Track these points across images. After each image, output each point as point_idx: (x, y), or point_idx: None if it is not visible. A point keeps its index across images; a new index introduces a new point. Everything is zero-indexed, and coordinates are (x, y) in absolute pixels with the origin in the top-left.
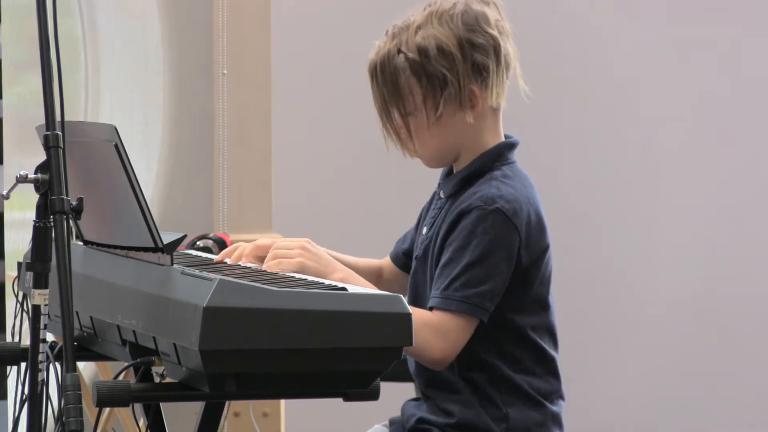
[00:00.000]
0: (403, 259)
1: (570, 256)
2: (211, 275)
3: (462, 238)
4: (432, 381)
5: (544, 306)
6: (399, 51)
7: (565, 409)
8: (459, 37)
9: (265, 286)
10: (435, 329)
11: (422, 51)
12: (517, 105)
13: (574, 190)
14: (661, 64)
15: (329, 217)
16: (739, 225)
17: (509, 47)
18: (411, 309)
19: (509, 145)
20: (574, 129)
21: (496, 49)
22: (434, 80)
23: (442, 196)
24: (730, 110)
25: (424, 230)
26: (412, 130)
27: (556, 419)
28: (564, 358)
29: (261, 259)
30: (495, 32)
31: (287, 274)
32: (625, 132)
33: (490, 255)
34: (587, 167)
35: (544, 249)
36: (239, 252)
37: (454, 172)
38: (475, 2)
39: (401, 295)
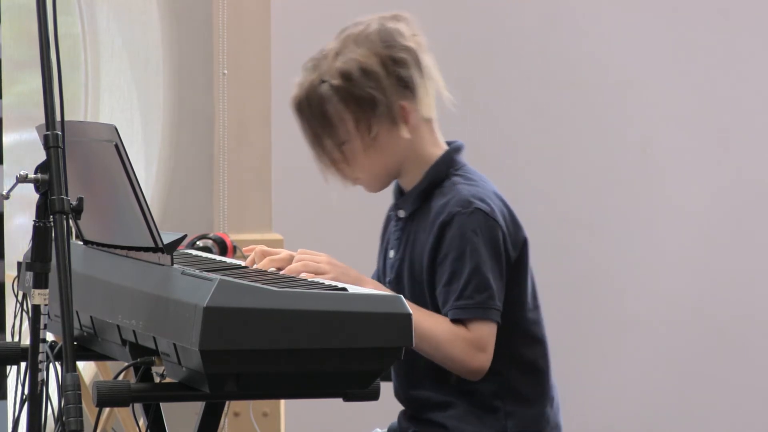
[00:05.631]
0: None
1: (569, 256)
2: (211, 275)
3: (456, 247)
4: (417, 404)
5: (537, 301)
6: (322, 81)
7: (562, 410)
8: (380, 55)
9: (265, 286)
10: (468, 340)
11: (345, 75)
12: (514, 105)
13: (573, 190)
14: (661, 64)
15: (329, 217)
16: (738, 226)
17: (428, 59)
18: (443, 321)
19: (456, 150)
20: (574, 129)
21: (417, 62)
22: (363, 102)
23: (402, 215)
24: (729, 111)
25: (391, 254)
26: (350, 158)
27: (557, 427)
28: (562, 359)
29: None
30: (413, 45)
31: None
32: (624, 132)
33: (486, 255)
34: (586, 168)
35: (524, 241)
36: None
37: (405, 189)
38: (388, 20)
39: (401, 296)
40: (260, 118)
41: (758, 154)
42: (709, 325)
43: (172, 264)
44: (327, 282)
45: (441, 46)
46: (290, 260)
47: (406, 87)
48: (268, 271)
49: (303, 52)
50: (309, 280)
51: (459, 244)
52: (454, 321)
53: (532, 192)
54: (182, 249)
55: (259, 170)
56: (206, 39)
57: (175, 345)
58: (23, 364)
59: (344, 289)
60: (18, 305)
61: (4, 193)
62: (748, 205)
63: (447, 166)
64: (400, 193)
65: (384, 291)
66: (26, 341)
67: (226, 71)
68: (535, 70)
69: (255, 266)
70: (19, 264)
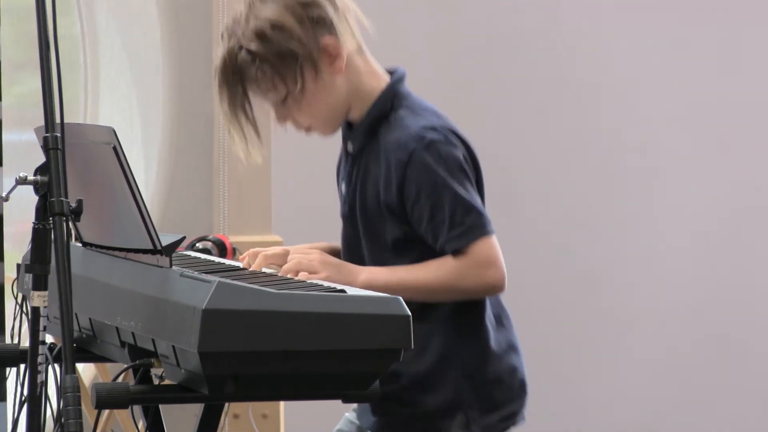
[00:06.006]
0: None
1: (570, 257)
2: (210, 277)
3: (426, 183)
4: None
5: None
6: (240, 47)
7: (560, 404)
8: (288, 6)
9: (263, 288)
10: (474, 266)
11: (260, 35)
12: (515, 105)
13: (572, 192)
14: (661, 64)
15: (328, 218)
16: (738, 228)
17: None
18: (444, 263)
19: (399, 80)
20: (575, 129)
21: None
22: (286, 57)
23: (351, 150)
24: (729, 112)
25: (343, 188)
26: (292, 112)
27: (513, 347)
28: (564, 360)
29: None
30: None
31: (287, 276)
32: (624, 134)
33: (458, 179)
34: (587, 169)
35: (476, 160)
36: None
37: (353, 122)
38: None
39: (400, 297)
40: (260, 118)
41: (758, 157)
42: (709, 328)
43: (171, 266)
44: (325, 284)
45: (442, 46)
46: (284, 255)
47: (324, 25)
48: (267, 272)
49: None
50: (307, 282)
51: (428, 178)
52: (455, 252)
53: (532, 193)
54: (182, 251)
55: (259, 172)
56: (206, 39)
57: (173, 347)
58: (22, 366)
59: (343, 290)
60: (17, 307)
61: (4, 195)
62: (747, 208)
63: (391, 98)
64: (348, 126)
65: (381, 277)
66: (26, 343)
67: None
68: (535, 70)
69: (251, 267)
70: (19, 266)
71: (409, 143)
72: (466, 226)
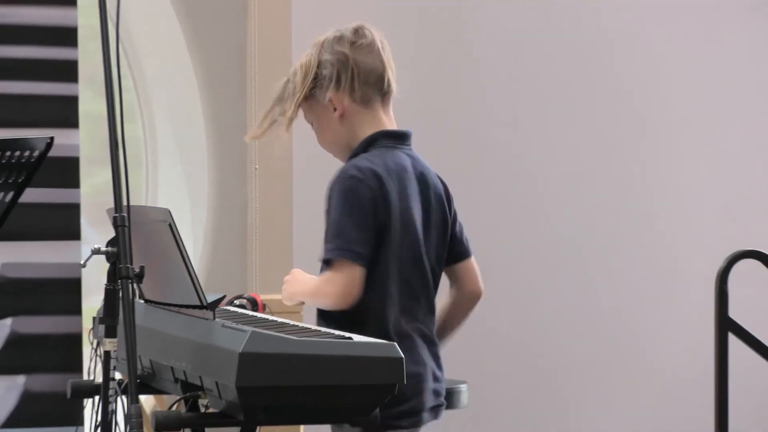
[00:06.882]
0: None
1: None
2: (246, 327)
3: (330, 205)
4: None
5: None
6: (295, 71)
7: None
8: (333, 61)
9: (288, 336)
10: (325, 281)
11: (304, 69)
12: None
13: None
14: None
15: None
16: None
17: (364, 58)
18: (318, 278)
19: (385, 135)
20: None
21: (345, 63)
22: (311, 95)
23: None
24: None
25: None
26: (316, 130)
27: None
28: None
29: None
30: (346, 51)
31: (305, 325)
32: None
33: (347, 209)
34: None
35: (391, 208)
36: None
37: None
38: (337, 32)
39: (395, 343)
40: (283, 205)
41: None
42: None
43: (214, 318)
44: (337, 332)
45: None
46: None
47: (335, 81)
48: (289, 322)
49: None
50: (323, 330)
51: (330, 202)
52: (324, 261)
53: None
54: (222, 306)
55: (283, 245)
56: (241, 136)
57: (216, 383)
58: (96, 398)
59: (350, 338)
60: (93, 351)
61: (82, 262)
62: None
63: (364, 146)
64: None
65: (298, 288)
66: (99, 379)
67: (257, 166)
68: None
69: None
70: (94, 318)
71: (336, 174)
72: (333, 245)
